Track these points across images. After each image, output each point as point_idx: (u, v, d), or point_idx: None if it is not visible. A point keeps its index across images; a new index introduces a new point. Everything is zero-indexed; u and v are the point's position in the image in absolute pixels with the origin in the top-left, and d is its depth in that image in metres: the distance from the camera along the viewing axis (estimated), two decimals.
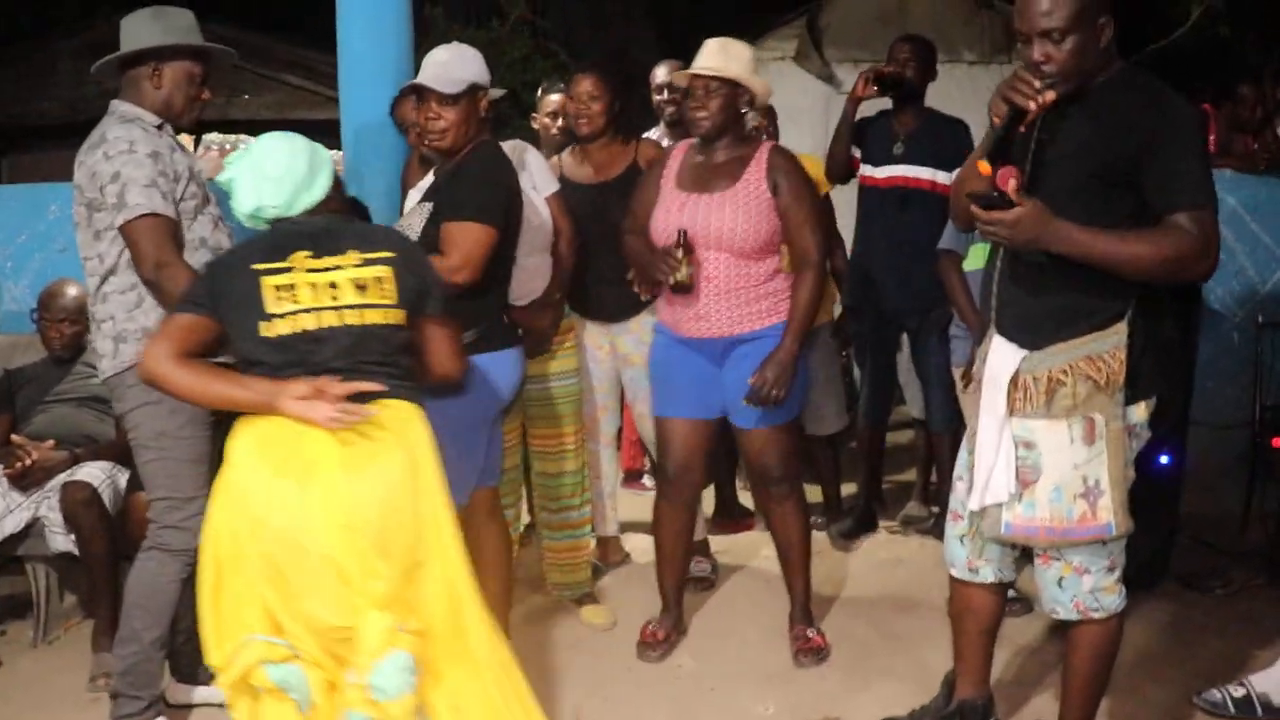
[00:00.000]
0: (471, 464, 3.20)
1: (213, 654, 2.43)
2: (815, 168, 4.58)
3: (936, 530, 4.61)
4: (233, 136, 6.07)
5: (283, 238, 2.54)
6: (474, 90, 3.19)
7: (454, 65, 3.19)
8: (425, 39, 12.09)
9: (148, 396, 2.97)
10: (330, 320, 2.47)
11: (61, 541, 3.83)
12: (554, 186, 3.78)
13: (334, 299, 2.47)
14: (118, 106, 3.17)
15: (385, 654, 2.34)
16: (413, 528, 2.45)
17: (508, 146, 3.54)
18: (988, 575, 2.91)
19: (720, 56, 3.47)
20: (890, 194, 4.53)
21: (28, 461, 3.79)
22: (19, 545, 3.92)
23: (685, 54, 3.76)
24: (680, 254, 3.38)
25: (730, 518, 4.96)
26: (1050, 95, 2.46)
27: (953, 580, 2.98)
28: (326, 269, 2.49)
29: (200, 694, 3.43)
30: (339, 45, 4.60)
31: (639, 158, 3.99)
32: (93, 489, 3.71)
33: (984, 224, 2.50)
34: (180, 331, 2.53)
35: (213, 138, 6.06)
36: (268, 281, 2.47)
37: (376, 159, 4.53)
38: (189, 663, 3.38)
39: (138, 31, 3.16)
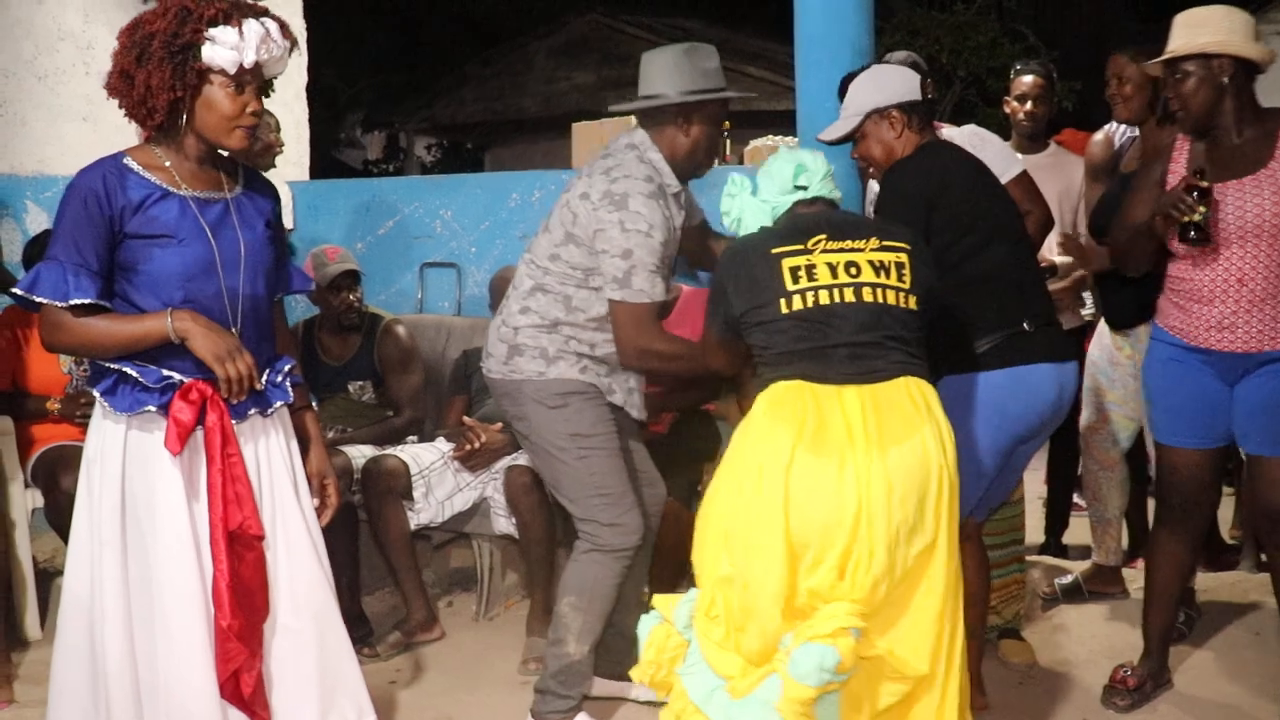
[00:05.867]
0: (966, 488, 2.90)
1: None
2: None
3: None
4: None
5: (803, 223, 2.63)
6: (873, 114, 3.07)
7: (847, 103, 3.12)
8: (886, 24, 11.86)
9: (549, 404, 3.03)
10: (848, 296, 2.50)
11: (504, 524, 3.95)
12: (1015, 169, 3.45)
13: (853, 277, 2.51)
14: (642, 144, 3.04)
15: (822, 642, 2.27)
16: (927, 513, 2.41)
17: (961, 135, 3.44)
18: None
19: (1185, 32, 2.95)
20: None
21: (476, 444, 3.91)
22: (467, 522, 4.08)
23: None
24: (1194, 195, 2.89)
25: (1216, 552, 4.39)
26: None
27: None
28: (843, 250, 2.54)
29: (619, 689, 3.36)
30: (795, 30, 4.43)
31: None
32: (534, 474, 3.76)
33: None
34: (714, 348, 2.81)
35: None
36: (786, 263, 2.54)
37: (830, 148, 4.29)
38: (614, 658, 3.31)
39: (667, 75, 3.01)
